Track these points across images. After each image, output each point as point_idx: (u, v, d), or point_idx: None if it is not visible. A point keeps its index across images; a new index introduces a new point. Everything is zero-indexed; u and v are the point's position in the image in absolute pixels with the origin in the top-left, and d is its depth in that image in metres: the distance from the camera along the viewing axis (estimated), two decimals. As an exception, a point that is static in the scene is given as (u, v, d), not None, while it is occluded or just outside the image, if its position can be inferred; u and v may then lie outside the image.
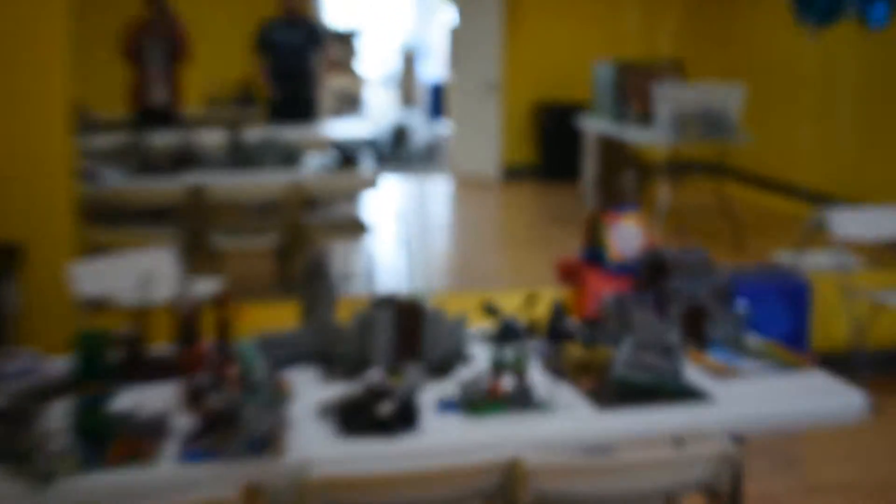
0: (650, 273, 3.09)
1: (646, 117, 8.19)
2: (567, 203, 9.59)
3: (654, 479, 2.38)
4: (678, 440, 2.98)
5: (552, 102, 10.44)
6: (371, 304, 2.85)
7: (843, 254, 5.26)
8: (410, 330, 2.80)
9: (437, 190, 10.49)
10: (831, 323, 5.51)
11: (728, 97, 7.45)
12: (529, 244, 8.35)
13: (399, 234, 7.58)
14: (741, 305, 3.05)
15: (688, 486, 2.41)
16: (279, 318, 3.31)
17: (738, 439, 2.81)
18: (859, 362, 5.17)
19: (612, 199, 8.35)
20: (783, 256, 5.68)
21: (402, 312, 2.79)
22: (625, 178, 5.45)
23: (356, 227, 6.20)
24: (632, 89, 8.57)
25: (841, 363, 4.83)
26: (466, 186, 10.34)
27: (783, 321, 4.93)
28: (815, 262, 5.55)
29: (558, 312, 3.06)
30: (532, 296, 3.17)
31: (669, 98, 7.51)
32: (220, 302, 2.75)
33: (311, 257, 2.94)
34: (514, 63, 10.48)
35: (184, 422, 2.42)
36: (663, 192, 7.86)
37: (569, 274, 5.19)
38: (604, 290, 4.82)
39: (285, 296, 5.86)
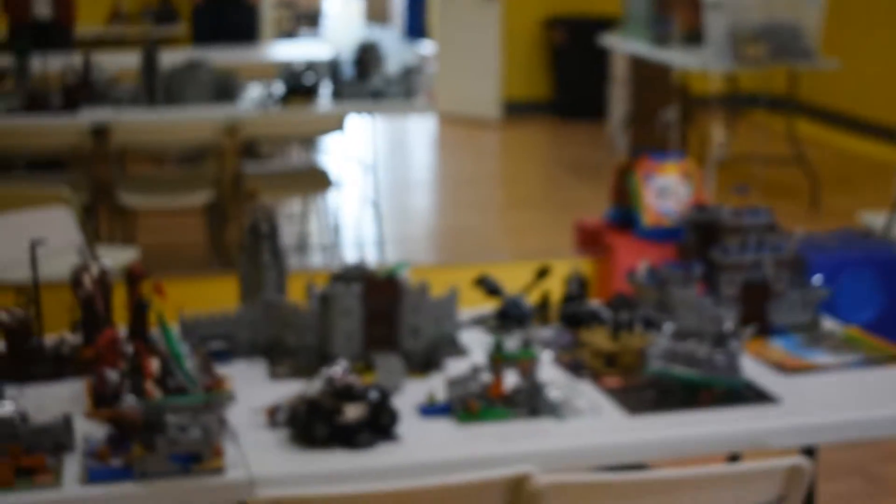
0: (698, 238, 3.14)
1: (694, 36, 8.22)
2: (588, 149, 9.65)
3: (704, 503, 2.43)
4: (733, 455, 3.05)
5: (569, 17, 10.48)
6: (333, 279, 2.90)
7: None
8: (385, 312, 2.85)
9: (418, 132, 10.52)
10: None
11: (803, 8, 7.49)
12: (538, 203, 8.41)
13: (365, 190, 7.61)
14: (817, 281, 3.11)
15: (746, 511, 2.47)
16: (211, 297, 3.35)
17: (809, 452, 2.88)
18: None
19: (649, 143, 8.40)
20: (875, 219, 5.74)
21: (373, 289, 2.83)
22: (666, 114, 5.48)
23: (316, 180, 6.24)
24: (675, -1, 8.60)
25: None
26: (455, 127, 10.39)
27: (872, 303, 4.99)
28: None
29: (577, 289, 3.11)
30: (544, 269, 3.22)
31: (725, 9, 7.54)
32: (133, 277, 2.79)
33: (254, 218, 2.98)
34: (520, -36, 10.51)
35: (90, 431, 2.46)
36: (716, 135, 7.90)
37: (591, 241, 5.25)
38: (636, 261, 4.88)
39: (221, 270, 5.91)
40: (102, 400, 2.51)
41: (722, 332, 2.72)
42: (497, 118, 10.47)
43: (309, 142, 7.39)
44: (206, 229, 6.48)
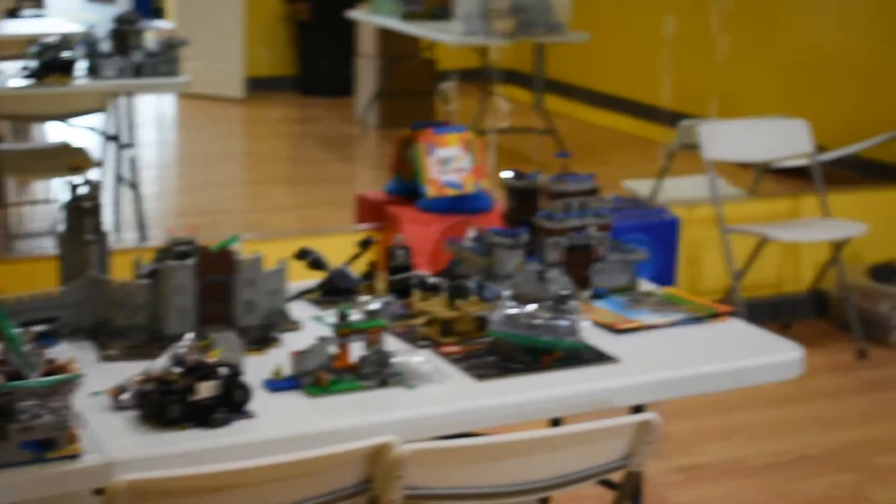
0: (519, 204, 3.16)
1: (442, 11, 8.29)
2: (338, 125, 9.63)
3: (565, 462, 2.46)
4: (555, 419, 3.09)
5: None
6: (160, 253, 2.81)
7: (715, 180, 5.53)
8: (219, 287, 2.77)
9: (155, 110, 10.29)
10: (700, 265, 5.80)
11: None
12: (292, 179, 8.35)
13: (118, 169, 7.37)
14: (633, 243, 3.18)
15: (606, 467, 2.51)
16: (20, 277, 3.20)
17: (638, 410, 2.95)
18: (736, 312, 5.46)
19: (401, 117, 8.42)
20: (637, 186, 5.91)
21: (207, 263, 2.75)
22: (445, 88, 5.55)
23: (77, 159, 6.02)
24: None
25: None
26: (198, 106, 10.19)
27: (649, 264, 5.14)
28: (679, 192, 5.82)
29: (405, 258, 3.10)
30: (367, 239, 3.20)
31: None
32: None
33: (74, 193, 2.86)
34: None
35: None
36: (501, 106, 8.00)
37: (373, 214, 5.24)
38: (422, 232, 4.90)
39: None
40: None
41: (561, 295, 2.76)
42: (241, 96, 10.32)
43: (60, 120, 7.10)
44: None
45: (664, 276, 5.23)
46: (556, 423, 3.13)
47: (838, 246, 5.85)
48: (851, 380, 5.59)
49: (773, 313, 6.05)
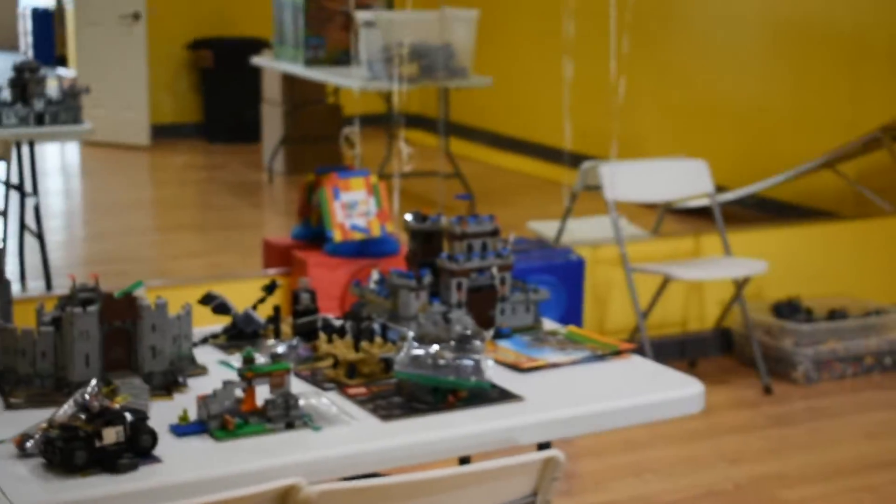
0: (422, 246, 3.20)
1: (345, 56, 8.35)
2: (245, 171, 9.64)
3: (471, 501, 2.49)
4: (464, 458, 3.12)
5: (214, 38, 10.43)
6: (63, 301, 2.81)
7: (619, 220, 5.62)
8: (123, 333, 2.78)
9: (59, 159, 10.24)
10: (606, 305, 5.88)
11: (455, 28, 7.72)
12: (199, 226, 8.34)
13: (18, 218, 7.32)
14: (536, 284, 3.23)
15: (512, 505, 2.55)
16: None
17: (543, 448, 2.99)
18: (641, 351, 5.55)
19: (307, 162, 8.45)
20: (542, 228, 5.98)
21: (111, 310, 2.76)
22: (348, 132, 5.59)
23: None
24: (324, 18, 8.70)
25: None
26: (102, 154, 10.16)
27: (555, 304, 5.22)
28: (583, 233, 5.90)
29: (310, 302, 3.12)
30: (272, 283, 3.22)
31: (379, 29, 7.69)
32: None
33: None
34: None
35: None
36: (404, 150, 8.05)
37: (280, 259, 5.26)
38: (329, 276, 4.93)
39: None
40: None
41: (465, 335, 2.79)
42: (146, 143, 10.29)
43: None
44: None
45: (571, 316, 5.30)
46: (464, 461, 3.17)
47: (740, 284, 5.96)
48: (757, 415, 5.68)
49: (679, 351, 6.14)
